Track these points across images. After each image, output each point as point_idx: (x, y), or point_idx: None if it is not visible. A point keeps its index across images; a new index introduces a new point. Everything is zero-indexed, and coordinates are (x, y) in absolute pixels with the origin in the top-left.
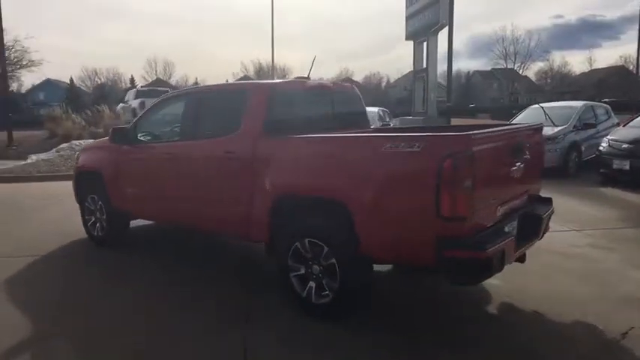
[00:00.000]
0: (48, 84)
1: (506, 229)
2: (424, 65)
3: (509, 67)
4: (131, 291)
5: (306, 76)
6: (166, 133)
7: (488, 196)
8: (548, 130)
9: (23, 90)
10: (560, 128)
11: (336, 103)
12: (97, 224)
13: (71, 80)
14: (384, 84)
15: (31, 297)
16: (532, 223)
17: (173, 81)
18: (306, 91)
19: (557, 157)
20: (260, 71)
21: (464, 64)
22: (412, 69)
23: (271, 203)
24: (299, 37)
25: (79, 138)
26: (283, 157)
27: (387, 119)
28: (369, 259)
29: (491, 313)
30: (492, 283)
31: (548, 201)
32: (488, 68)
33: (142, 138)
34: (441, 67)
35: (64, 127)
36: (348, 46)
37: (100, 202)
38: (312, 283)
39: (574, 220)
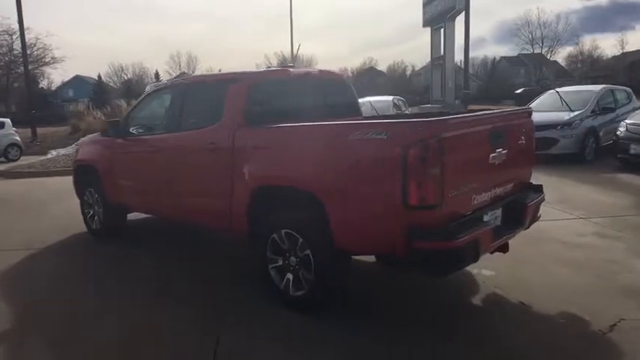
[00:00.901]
0: (77, 80)
1: (487, 217)
2: (441, 52)
3: (536, 52)
4: (115, 284)
5: (292, 64)
6: (154, 125)
7: (461, 184)
8: (564, 116)
9: (53, 87)
10: (576, 113)
11: (324, 92)
12: (95, 217)
13: (99, 76)
14: (409, 72)
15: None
16: (517, 212)
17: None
18: (291, 80)
19: (573, 142)
20: (283, 63)
21: (491, 51)
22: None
23: (250, 194)
24: (323, 29)
25: None
26: (259, 147)
27: (404, 108)
28: (343, 251)
29: (474, 304)
30: (485, 273)
31: (538, 188)
32: (515, 54)
33: (133, 131)
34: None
35: (85, 122)
36: (372, 36)
37: (96, 196)
38: (289, 275)
39: (584, 208)
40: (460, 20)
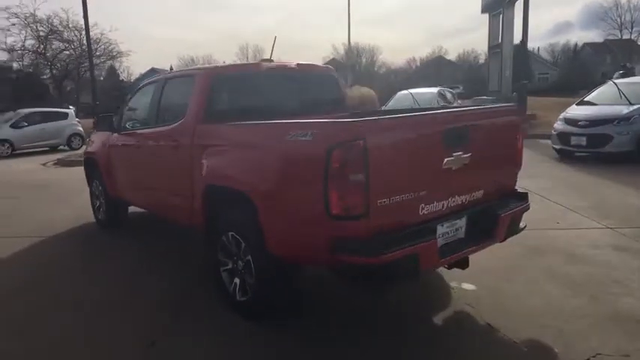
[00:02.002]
0: (152, 73)
1: (442, 229)
2: (499, 40)
3: (625, 38)
4: (87, 277)
5: (270, 58)
6: (140, 120)
7: (397, 192)
8: (623, 110)
9: (132, 79)
10: (635, 107)
11: (303, 87)
12: (101, 208)
13: (170, 68)
14: (480, 61)
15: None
16: (486, 224)
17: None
18: (261, 75)
19: (629, 140)
20: (348, 53)
21: (576, 36)
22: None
23: (202, 193)
24: (395, 17)
25: None
26: (213, 145)
27: (452, 100)
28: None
29: (434, 322)
30: (464, 286)
31: (522, 197)
32: (601, 40)
33: (127, 125)
34: (545, 41)
35: None
36: (442, 24)
37: (100, 187)
38: (237, 279)
39: (616, 216)
40: (519, 6)
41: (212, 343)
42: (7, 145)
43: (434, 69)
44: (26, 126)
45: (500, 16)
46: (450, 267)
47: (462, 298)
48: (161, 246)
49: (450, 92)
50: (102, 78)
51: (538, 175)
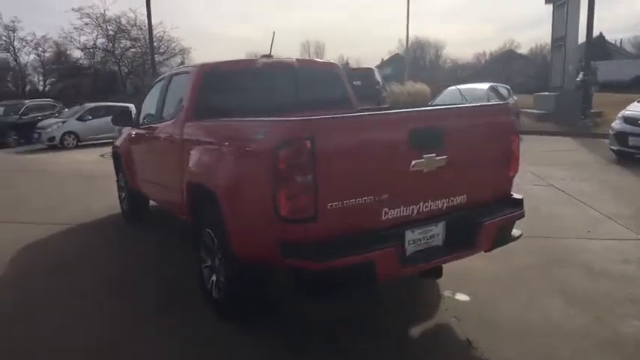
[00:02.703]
0: None
1: (412, 235)
2: (563, 32)
3: None
4: (91, 268)
5: (269, 53)
6: (150, 115)
7: (355, 195)
8: None
9: None
10: None
11: (303, 84)
12: (125, 200)
13: None
14: None
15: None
16: (466, 231)
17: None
18: (256, 71)
19: None
20: (412, 46)
21: None
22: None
23: (186, 189)
24: (460, 10)
25: None
26: (198, 142)
27: (508, 96)
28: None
29: (410, 335)
30: (458, 297)
31: (516, 203)
32: None
33: (144, 120)
34: (631, 33)
35: None
36: (514, 16)
37: (124, 180)
38: (214, 277)
39: None
40: None
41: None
42: (72, 136)
43: (504, 63)
44: (91, 119)
45: (565, 6)
46: (423, 275)
47: (450, 310)
48: (173, 241)
49: (505, 88)
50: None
51: (585, 178)
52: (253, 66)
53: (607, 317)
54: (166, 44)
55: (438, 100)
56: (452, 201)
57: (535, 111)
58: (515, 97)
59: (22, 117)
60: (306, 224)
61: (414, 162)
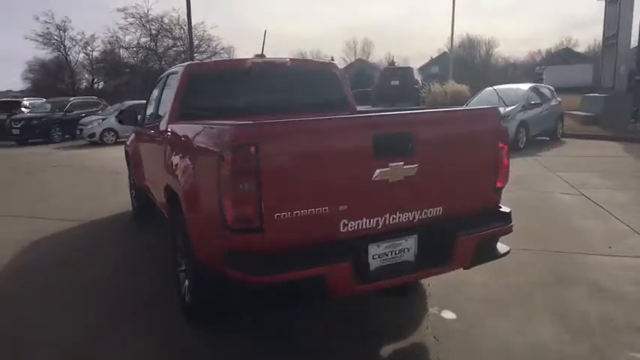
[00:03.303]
0: None
1: (377, 249)
2: (615, 30)
3: None
4: (84, 270)
5: (261, 53)
6: (150, 115)
7: (308, 205)
8: None
9: None
10: None
11: (296, 84)
12: (134, 198)
13: None
14: None
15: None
16: (440, 246)
17: (373, 60)
18: (245, 71)
19: None
20: (462, 45)
21: None
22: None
23: (164, 191)
24: (515, 6)
25: None
26: (172, 144)
27: (552, 97)
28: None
29: (380, 354)
30: (444, 315)
31: (503, 217)
32: None
33: (146, 120)
34: None
35: None
36: (571, 13)
37: (132, 178)
38: (187, 282)
39: None
40: None
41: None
42: (112, 133)
43: (560, 62)
44: None
45: (617, 3)
46: (387, 294)
47: (432, 328)
48: None
49: (549, 89)
50: None
51: (622, 188)
52: (242, 66)
53: (604, 347)
54: (207, 43)
55: (474, 101)
56: (425, 213)
57: (581, 113)
58: (558, 99)
59: (67, 114)
60: (252, 235)
61: (377, 171)
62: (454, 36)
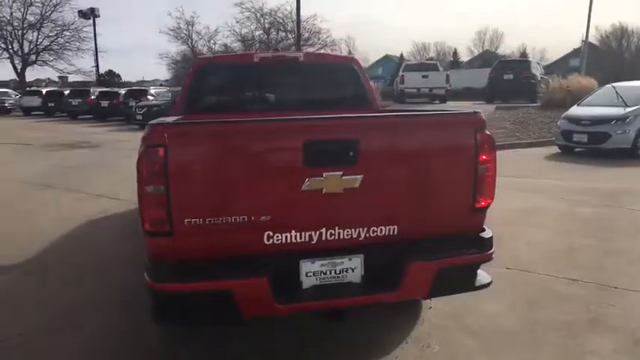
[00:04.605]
0: (386, 59)
1: (311, 267)
2: None
3: None
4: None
5: (277, 47)
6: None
7: (223, 213)
8: None
9: (366, 65)
10: None
11: (309, 80)
12: None
13: (401, 55)
14: None
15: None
16: (389, 271)
17: (505, 52)
18: (254, 66)
19: None
20: (613, 33)
21: None
22: None
23: None
24: None
25: None
26: None
27: None
28: None
29: None
30: (425, 346)
31: (479, 243)
32: None
33: None
34: None
35: None
36: None
37: None
38: None
39: None
40: None
41: None
42: None
43: None
44: None
45: None
46: (328, 317)
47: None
48: None
49: None
50: None
51: None
52: (250, 61)
53: None
54: (317, 36)
55: (589, 99)
56: (374, 231)
57: None
58: None
59: None
60: (163, 239)
61: (308, 180)
62: (599, 26)
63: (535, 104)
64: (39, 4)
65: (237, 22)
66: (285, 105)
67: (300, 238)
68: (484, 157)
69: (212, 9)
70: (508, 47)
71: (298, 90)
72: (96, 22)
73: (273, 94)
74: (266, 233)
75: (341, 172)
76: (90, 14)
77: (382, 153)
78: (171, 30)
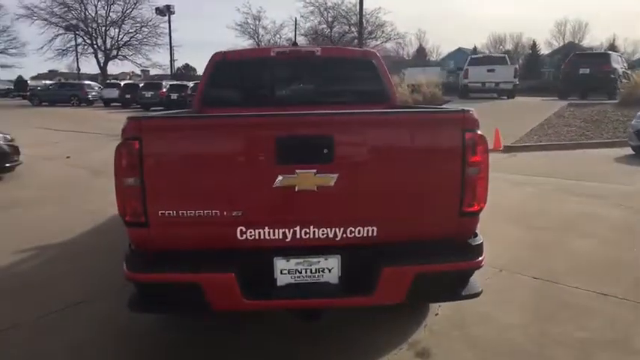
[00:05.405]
0: (458, 52)
1: (285, 264)
2: None
3: None
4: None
5: (294, 41)
6: None
7: (196, 206)
8: None
9: (439, 58)
10: None
11: (327, 75)
12: None
13: (474, 48)
14: None
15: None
16: (365, 273)
17: (591, 44)
18: (270, 60)
19: None
20: None
21: None
22: None
23: None
24: None
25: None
26: None
27: None
28: None
29: None
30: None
31: (466, 250)
32: None
33: None
34: None
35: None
36: None
37: None
38: None
39: None
40: None
41: None
42: None
43: None
44: None
45: None
46: (302, 318)
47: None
48: None
49: None
50: (408, 57)
51: None
52: (266, 55)
53: None
54: (381, 29)
55: None
56: (352, 232)
57: None
58: None
59: (193, 93)
60: (139, 230)
61: (280, 177)
62: None
63: (613, 101)
64: (120, 3)
65: (302, 16)
66: (301, 100)
67: (274, 235)
68: (474, 158)
69: (279, 3)
70: (595, 39)
71: (315, 85)
72: (171, 18)
73: (289, 89)
74: (239, 228)
75: (314, 170)
76: (166, 11)
77: (359, 151)
78: (239, 25)
